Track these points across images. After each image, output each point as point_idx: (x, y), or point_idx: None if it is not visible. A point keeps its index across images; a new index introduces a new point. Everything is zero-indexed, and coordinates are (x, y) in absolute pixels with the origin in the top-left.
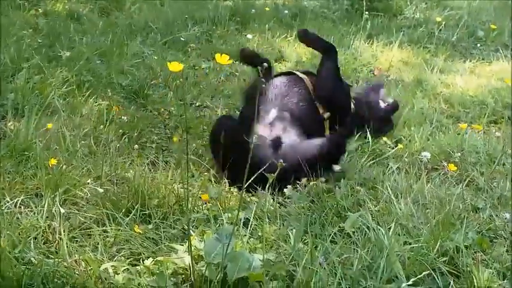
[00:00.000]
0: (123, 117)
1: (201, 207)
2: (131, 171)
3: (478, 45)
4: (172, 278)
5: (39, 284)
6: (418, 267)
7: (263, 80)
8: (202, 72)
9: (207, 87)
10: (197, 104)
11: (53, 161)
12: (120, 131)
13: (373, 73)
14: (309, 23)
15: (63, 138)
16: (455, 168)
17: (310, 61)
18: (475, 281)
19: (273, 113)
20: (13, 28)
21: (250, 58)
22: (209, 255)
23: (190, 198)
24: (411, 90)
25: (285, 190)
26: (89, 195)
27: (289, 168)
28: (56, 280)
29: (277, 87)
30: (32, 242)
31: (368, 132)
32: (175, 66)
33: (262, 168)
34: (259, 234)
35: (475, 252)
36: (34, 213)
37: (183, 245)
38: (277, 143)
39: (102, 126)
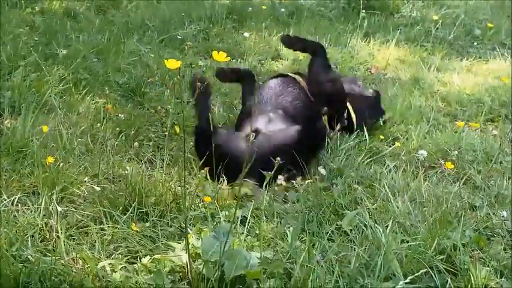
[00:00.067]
0: (120, 115)
1: (198, 205)
2: (128, 168)
3: (475, 43)
4: (169, 276)
5: (36, 282)
6: (415, 265)
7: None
8: (199, 70)
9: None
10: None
11: (50, 159)
12: (117, 129)
13: (370, 71)
14: (306, 21)
15: (60, 136)
16: (453, 166)
17: (307, 60)
18: (472, 279)
19: (266, 111)
20: (10, 26)
21: (230, 75)
22: (206, 253)
23: (187, 196)
24: (408, 88)
25: (278, 181)
26: (86, 193)
27: (266, 157)
28: (53, 278)
29: (271, 88)
30: (29, 240)
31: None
32: (172, 64)
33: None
34: (257, 232)
35: (472, 250)
36: (31, 211)
37: (180, 243)
38: (252, 134)
39: (99, 124)
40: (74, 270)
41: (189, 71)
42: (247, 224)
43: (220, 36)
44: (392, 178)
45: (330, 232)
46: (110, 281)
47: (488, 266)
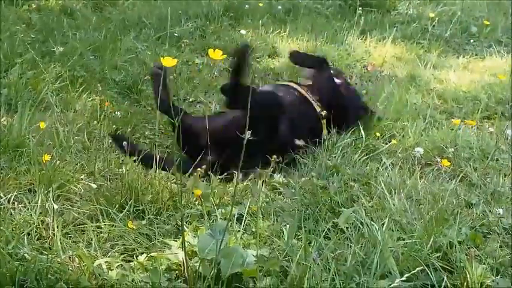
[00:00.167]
0: (116, 112)
1: (194, 203)
2: (124, 166)
3: (471, 41)
4: (166, 274)
5: (32, 280)
6: (411, 263)
7: None
8: (195, 67)
9: (201, 83)
10: (190, 100)
11: (47, 157)
12: (114, 126)
13: (366, 69)
14: (302, 18)
15: (57, 133)
16: (449, 163)
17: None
18: (468, 276)
19: None
20: (6, 23)
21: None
22: (203, 251)
23: (183, 194)
24: (404, 85)
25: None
26: (83, 190)
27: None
28: (49, 276)
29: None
30: (25, 238)
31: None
32: (168, 62)
33: None
34: (253, 230)
35: (468, 247)
36: (27, 209)
37: (176, 241)
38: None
39: (95, 122)
40: (70, 268)
41: (185, 68)
42: (243, 221)
43: (217, 34)
44: (388, 175)
45: (326, 230)
46: (106, 279)
47: (484, 264)
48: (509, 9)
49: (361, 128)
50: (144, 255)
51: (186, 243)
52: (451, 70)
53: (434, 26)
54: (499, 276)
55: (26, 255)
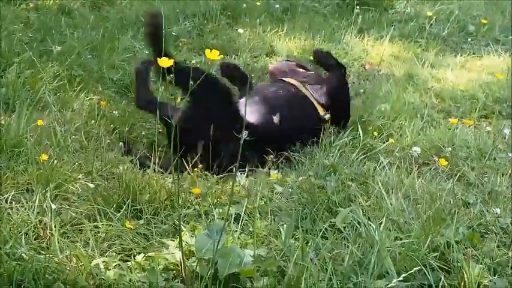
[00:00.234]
0: (114, 111)
1: (192, 203)
2: (122, 166)
3: (469, 39)
4: (163, 274)
5: (30, 280)
6: (409, 263)
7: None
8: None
9: None
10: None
11: (44, 157)
12: (111, 125)
13: (364, 67)
14: (300, 17)
15: (54, 133)
16: (446, 163)
17: (301, 56)
18: (465, 276)
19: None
20: (4, 22)
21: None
22: (200, 250)
23: (181, 194)
24: (402, 84)
25: None
26: (80, 190)
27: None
28: (47, 276)
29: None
30: (23, 237)
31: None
32: (165, 62)
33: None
34: (250, 229)
35: (465, 247)
36: (25, 209)
37: (174, 241)
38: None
39: (93, 121)
40: (68, 268)
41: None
42: (240, 221)
43: (214, 33)
44: (386, 175)
45: (323, 229)
46: (103, 279)
47: (481, 264)
48: (506, 7)
49: (359, 127)
50: (142, 255)
51: (184, 243)
52: (449, 69)
53: (431, 24)
54: (496, 276)
55: (23, 255)
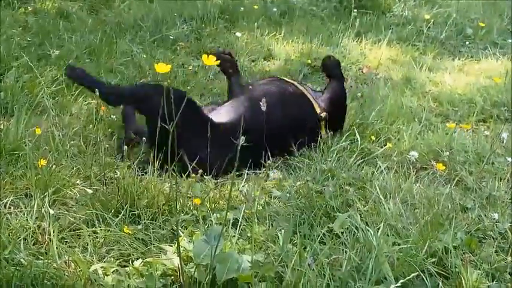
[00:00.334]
0: (112, 116)
1: (190, 208)
2: (119, 171)
3: (467, 43)
4: (161, 280)
5: (28, 286)
6: (406, 268)
7: None
8: (191, 70)
9: (196, 86)
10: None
11: (43, 162)
12: (109, 130)
13: (361, 71)
14: (298, 20)
15: (53, 137)
16: (444, 167)
17: (299, 59)
18: (463, 282)
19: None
20: (3, 26)
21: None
22: (198, 256)
23: (179, 199)
24: (400, 88)
25: None
26: (78, 195)
27: None
28: (45, 282)
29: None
30: (21, 243)
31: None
32: (162, 68)
33: None
34: (248, 235)
35: (463, 253)
36: (24, 214)
37: (172, 246)
38: None
39: (91, 126)
40: (66, 274)
41: (181, 71)
42: (238, 226)
43: (212, 36)
44: (383, 179)
45: (321, 235)
46: (102, 285)
47: (479, 269)
48: (504, 10)
49: (356, 131)
50: (140, 260)
51: (182, 249)
52: (447, 72)
53: (429, 28)
54: (494, 282)
55: (22, 260)
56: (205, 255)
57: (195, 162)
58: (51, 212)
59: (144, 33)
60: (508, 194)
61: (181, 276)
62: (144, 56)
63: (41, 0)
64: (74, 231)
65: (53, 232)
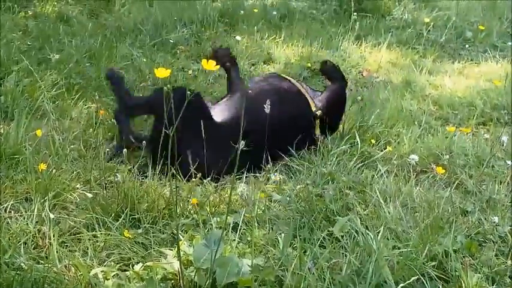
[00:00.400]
0: (112, 120)
1: (190, 212)
2: (119, 175)
3: (467, 46)
4: (161, 284)
5: None
6: (407, 272)
7: None
8: (191, 74)
9: (196, 89)
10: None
11: (43, 166)
12: (109, 134)
13: (361, 74)
14: (297, 24)
15: (53, 142)
16: (444, 171)
17: (299, 63)
18: (463, 285)
19: (225, 100)
20: (3, 30)
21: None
22: (198, 260)
23: (179, 203)
24: (400, 91)
25: None
26: (79, 199)
27: None
28: (46, 286)
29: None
30: (22, 247)
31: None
32: (162, 73)
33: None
34: (248, 238)
35: (463, 256)
36: (24, 218)
37: (172, 250)
38: None
39: (91, 130)
40: (67, 278)
41: (181, 75)
42: (238, 230)
43: (212, 40)
44: (383, 183)
45: (321, 238)
46: None
47: (479, 273)
48: (504, 13)
49: (356, 135)
50: (140, 264)
51: (182, 253)
52: (447, 75)
53: (429, 31)
54: (494, 286)
55: (22, 264)
56: (206, 259)
57: (196, 164)
58: (52, 216)
59: (144, 37)
60: (508, 198)
61: (181, 280)
62: (144, 59)
63: (41, 4)
64: (74, 235)
65: (53, 236)
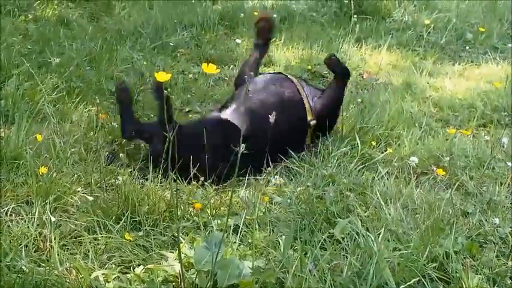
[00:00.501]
0: (113, 123)
1: (191, 214)
2: (120, 177)
3: (467, 47)
4: (162, 286)
5: None
6: (407, 274)
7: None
8: (191, 77)
9: (197, 93)
10: (187, 110)
11: (43, 169)
12: (110, 137)
13: (362, 77)
14: (298, 26)
15: (53, 145)
16: (445, 172)
17: (299, 65)
18: (464, 286)
19: (230, 108)
20: (3, 34)
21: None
22: (199, 262)
23: (180, 205)
24: (400, 93)
25: None
26: (79, 202)
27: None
28: None
29: (255, 84)
30: (23, 250)
31: None
32: (162, 77)
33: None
34: (249, 241)
35: (464, 257)
36: (25, 221)
37: (173, 252)
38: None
39: (92, 133)
40: (68, 281)
41: (181, 78)
42: (239, 232)
43: (212, 43)
44: (384, 185)
45: (322, 240)
46: None
47: (480, 274)
48: (504, 15)
49: (357, 137)
50: (141, 267)
51: (183, 255)
52: (447, 77)
53: (429, 33)
54: (495, 287)
55: (23, 267)
56: (207, 262)
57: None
58: (52, 219)
59: (145, 40)
60: (508, 199)
61: (182, 283)
62: (145, 62)
63: (41, 7)
64: (75, 238)
65: (54, 239)
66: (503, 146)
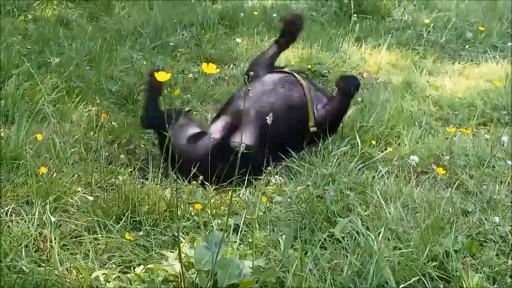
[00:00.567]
0: (112, 123)
1: (191, 214)
2: (121, 177)
3: (467, 46)
4: (163, 286)
5: None
6: (408, 273)
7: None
8: (191, 77)
9: (197, 92)
10: (187, 109)
11: (43, 169)
12: (110, 137)
13: (361, 76)
14: None
15: (53, 145)
16: (445, 171)
17: (299, 64)
18: (464, 285)
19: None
20: (3, 34)
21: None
22: (199, 262)
23: (180, 205)
24: (400, 92)
25: None
26: (80, 202)
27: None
28: None
29: (263, 84)
30: (23, 250)
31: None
32: (162, 76)
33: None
34: (249, 240)
35: (464, 256)
36: (25, 221)
37: (173, 252)
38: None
39: (92, 133)
40: (68, 281)
41: (181, 77)
42: (239, 232)
43: (212, 42)
44: (384, 184)
45: (322, 240)
46: None
47: (480, 273)
48: (504, 14)
49: (357, 136)
50: (141, 266)
51: (183, 255)
52: (447, 76)
53: (429, 32)
54: (495, 285)
55: (24, 267)
56: (207, 261)
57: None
58: (53, 219)
59: (144, 39)
60: (508, 198)
61: (182, 283)
62: (145, 62)
63: (41, 7)
64: (75, 238)
65: (55, 239)
66: (503, 145)
